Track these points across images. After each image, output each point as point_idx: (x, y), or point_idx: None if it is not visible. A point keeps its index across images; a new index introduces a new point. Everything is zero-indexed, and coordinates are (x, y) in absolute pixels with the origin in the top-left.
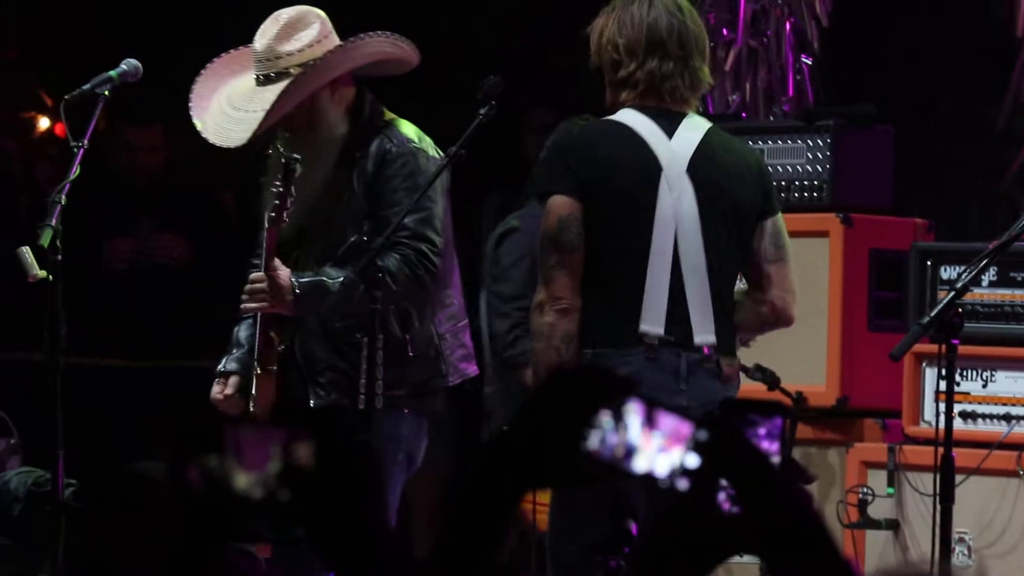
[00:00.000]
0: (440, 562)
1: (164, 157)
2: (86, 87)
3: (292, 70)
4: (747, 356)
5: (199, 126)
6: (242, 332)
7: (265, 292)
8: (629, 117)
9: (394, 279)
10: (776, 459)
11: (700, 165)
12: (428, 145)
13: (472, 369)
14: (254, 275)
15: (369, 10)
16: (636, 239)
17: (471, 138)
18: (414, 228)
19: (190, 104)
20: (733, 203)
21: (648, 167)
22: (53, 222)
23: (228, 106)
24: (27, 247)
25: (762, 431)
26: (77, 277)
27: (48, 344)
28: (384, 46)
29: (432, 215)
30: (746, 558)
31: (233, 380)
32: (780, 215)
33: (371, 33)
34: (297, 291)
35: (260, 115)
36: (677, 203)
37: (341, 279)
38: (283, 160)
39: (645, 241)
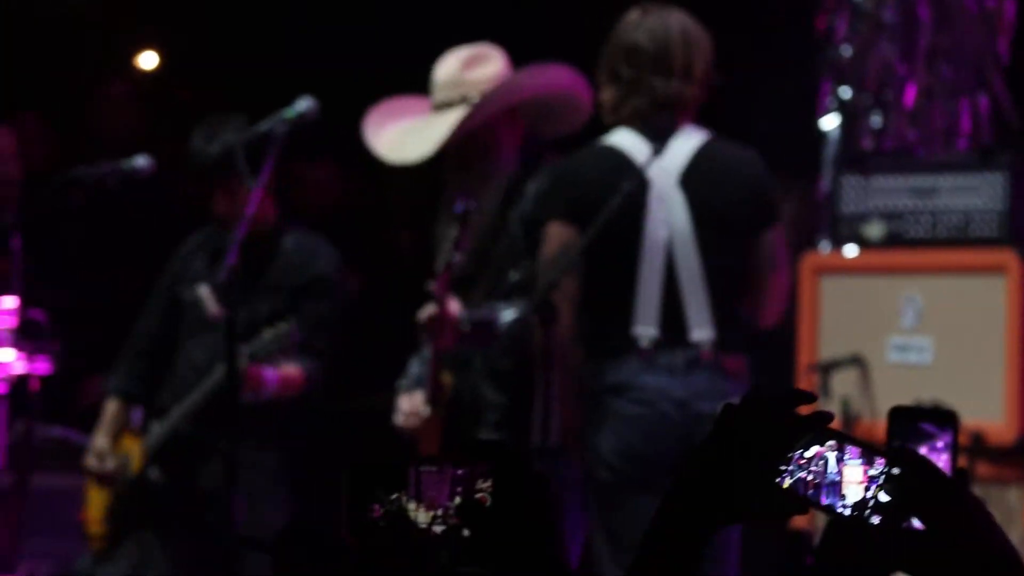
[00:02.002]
0: None
1: (335, 194)
2: (262, 126)
3: (474, 97)
4: (923, 393)
5: (372, 145)
6: (414, 368)
7: (436, 325)
8: (618, 138)
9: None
10: (951, 471)
11: (691, 177)
12: None
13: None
14: (427, 309)
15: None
16: (626, 253)
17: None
18: None
19: (366, 130)
20: (724, 211)
21: (634, 184)
22: (232, 261)
23: (403, 132)
24: (205, 286)
25: (939, 443)
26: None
27: (226, 377)
28: (569, 79)
29: None
30: None
31: (418, 393)
32: (780, 228)
33: (556, 65)
34: (467, 327)
35: (441, 132)
36: (668, 214)
37: (510, 316)
38: (457, 213)
39: (634, 253)
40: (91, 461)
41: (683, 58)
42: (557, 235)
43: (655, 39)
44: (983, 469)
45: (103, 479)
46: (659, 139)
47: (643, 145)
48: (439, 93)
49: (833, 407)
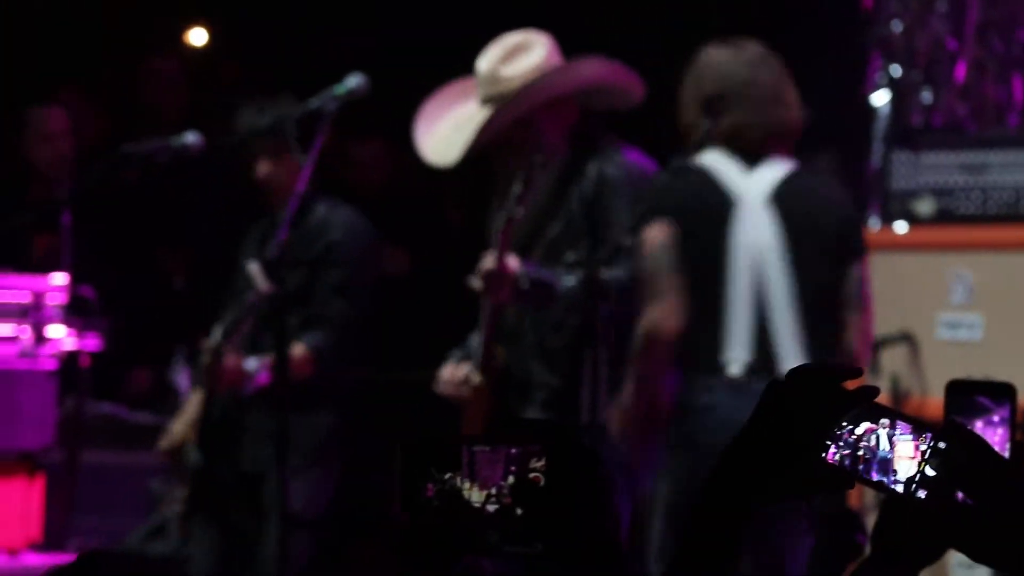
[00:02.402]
0: (682, 572)
1: (386, 172)
2: (313, 103)
3: (509, 95)
4: (974, 370)
5: (420, 147)
6: (472, 341)
7: (494, 279)
8: (708, 158)
9: (621, 291)
10: (1007, 445)
11: (782, 197)
12: (650, 165)
13: None
14: (486, 260)
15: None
16: (712, 269)
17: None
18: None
19: (417, 126)
20: (817, 235)
21: (722, 201)
22: (283, 237)
23: (451, 128)
24: (255, 262)
25: (995, 417)
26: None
27: (277, 355)
28: (603, 71)
29: None
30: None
31: (464, 365)
32: (867, 263)
33: (592, 58)
34: (526, 284)
35: (470, 137)
36: (756, 233)
37: (571, 282)
38: (526, 169)
39: (721, 271)
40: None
41: (789, 89)
42: (655, 234)
43: (758, 72)
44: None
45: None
46: (751, 162)
47: (731, 165)
48: (480, 89)
49: (882, 384)
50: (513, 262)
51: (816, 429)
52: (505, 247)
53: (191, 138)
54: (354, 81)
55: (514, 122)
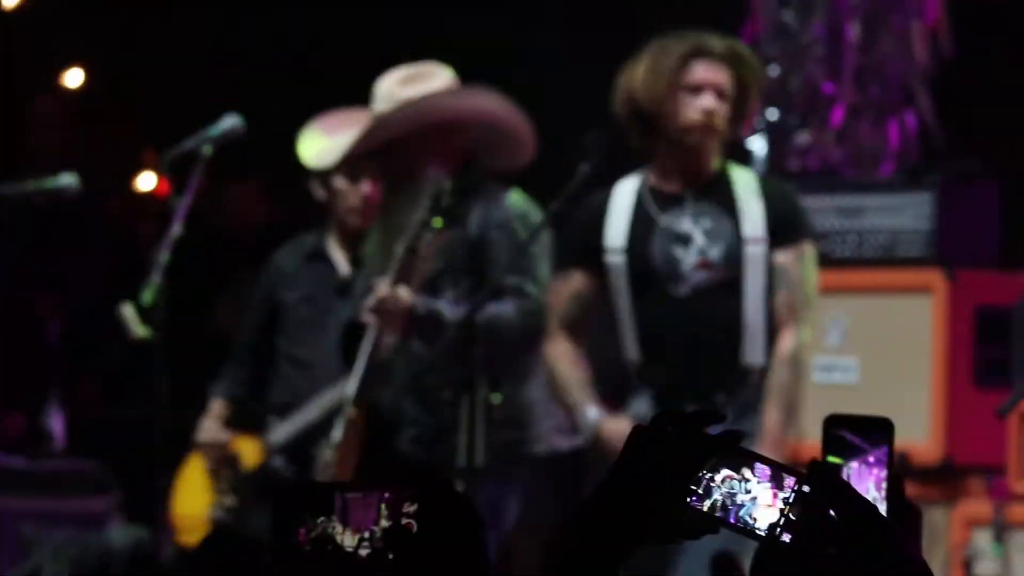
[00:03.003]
0: None
1: (262, 212)
2: (188, 144)
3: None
4: (849, 413)
5: (300, 150)
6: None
7: (389, 307)
8: None
9: (505, 328)
10: (884, 479)
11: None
12: (534, 213)
13: (564, 443)
14: (381, 288)
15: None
16: None
17: (574, 194)
18: (518, 285)
19: (304, 134)
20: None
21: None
22: (156, 279)
23: (335, 139)
24: (129, 305)
25: (871, 458)
26: (182, 334)
27: (150, 403)
28: (492, 105)
29: (537, 275)
30: None
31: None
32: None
33: (488, 93)
34: (423, 311)
35: (348, 143)
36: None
37: (458, 315)
38: (437, 193)
39: None
40: (209, 450)
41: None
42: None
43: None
44: (909, 489)
45: (216, 468)
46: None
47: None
48: (375, 105)
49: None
50: (405, 291)
51: (679, 475)
52: (403, 277)
53: (67, 179)
54: (229, 122)
55: (401, 143)
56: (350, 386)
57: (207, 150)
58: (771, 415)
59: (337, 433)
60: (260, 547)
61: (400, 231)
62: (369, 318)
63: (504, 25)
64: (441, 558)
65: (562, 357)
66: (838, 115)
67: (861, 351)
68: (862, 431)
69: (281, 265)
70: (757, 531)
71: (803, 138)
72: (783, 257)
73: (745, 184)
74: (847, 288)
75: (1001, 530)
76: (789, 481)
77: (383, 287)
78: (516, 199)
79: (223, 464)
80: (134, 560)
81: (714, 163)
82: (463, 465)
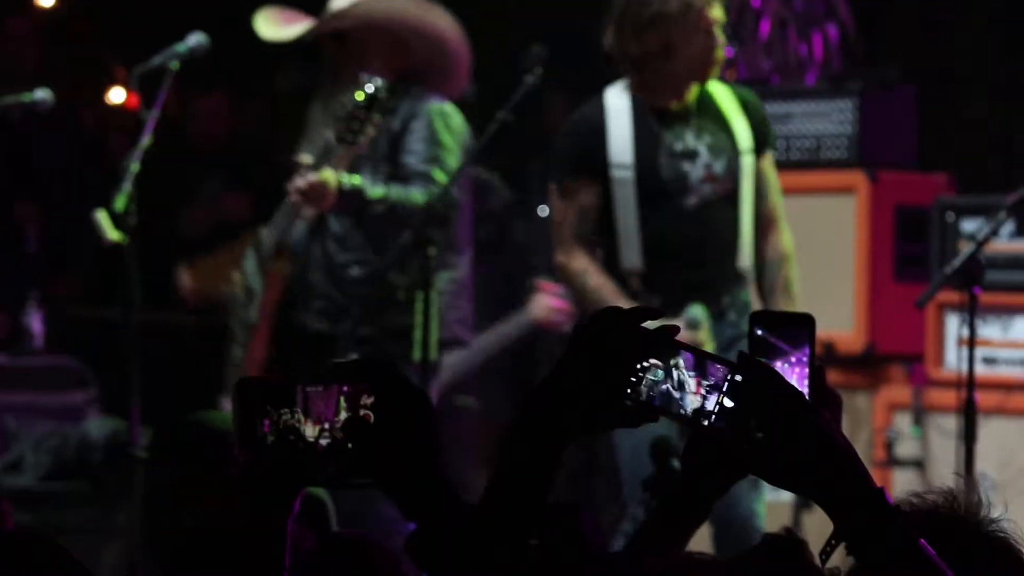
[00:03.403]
0: (492, 505)
1: (228, 123)
2: (156, 60)
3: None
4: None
5: (257, 25)
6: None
7: (314, 190)
8: None
9: (415, 206)
10: (805, 377)
11: None
12: (455, 113)
13: (465, 335)
14: (309, 175)
15: None
16: None
17: (517, 103)
18: (426, 172)
19: (258, 16)
20: None
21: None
22: (127, 187)
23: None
24: (102, 212)
25: (792, 358)
26: (152, 238)
27: (123, 303)
28: (439, 23)
29: (446, 164)
30: (779, 495)
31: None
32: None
33: (442, 16)
34: (347, 186)
35: (305, 26)
36: None
37: (377, 190)
38: (370, 92)
39: None
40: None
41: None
42: None
43: None
44: (833, 376)
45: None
46: None
47: None
48: (332, 5)
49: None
50: (330, 173)
51: (618, 367)
52: (329, 160)
53: (40, 95)
54: (195, 39)
55: (352, 40)
56: (268, 239)
57: (174, 65)
58: (794, 306)
59: (253, 313)
60: (226, 437)
61: (333, 117)
62: (295, 198)
63: None
64: (398, 447)
65: (588, 269)
66: (765, 27)
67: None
68: (784, 329)
69: None
70: (685, 418)
71: (732, 50)
72: (764, 164)
73: (725, 97)
74: None
75: (920, 413)
76: (718, 370)
77: (311, 175)
78: (436, 99)
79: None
80: (110, 450)
81: None
82: (420, 359)
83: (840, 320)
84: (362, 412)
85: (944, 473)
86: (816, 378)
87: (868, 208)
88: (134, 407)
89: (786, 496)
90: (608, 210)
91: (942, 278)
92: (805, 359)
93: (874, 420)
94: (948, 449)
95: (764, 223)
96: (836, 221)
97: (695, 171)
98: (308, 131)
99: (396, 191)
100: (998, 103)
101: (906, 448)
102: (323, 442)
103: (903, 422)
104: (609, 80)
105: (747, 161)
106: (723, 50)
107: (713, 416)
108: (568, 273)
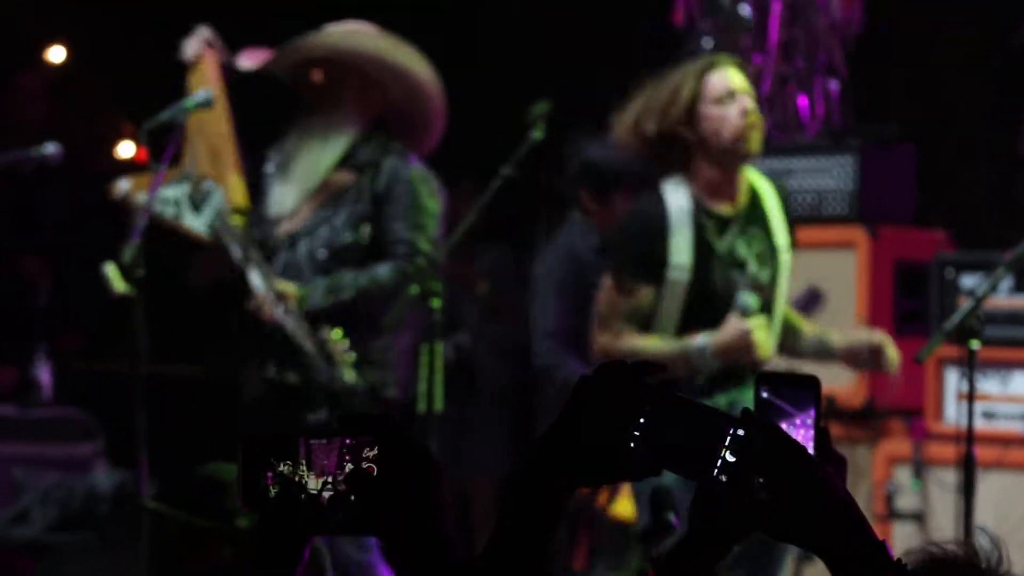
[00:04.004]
0: (494, 559)
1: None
2: (164, 115)
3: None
4: (782, 360)
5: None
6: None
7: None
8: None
9: (378, 290)
10: (811, 439)
11: None
12: (432, 178)
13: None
14: (260, 299)
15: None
16: None
17: (522, 160)
18: (411, 240)
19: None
20: None
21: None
22: (135, 240)
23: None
24: (111, 265)
25: (796, 421)
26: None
27: (131, 355)
28: (412, 65)
29: (428, 231)
30: None
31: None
32: None
33: (413, 54)
34: (308, 305)
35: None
36: None
37: (338, 295)
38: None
39: None
40: None
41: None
42: None
43: None
44: (834, 430)
45: None
46: None
47: None
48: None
49: None
50: (290, 288)
51: (620, 421)
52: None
53: (51, 148)
54: (203, 95)
55: (318, 79)
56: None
57: (182, 120)
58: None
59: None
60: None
61: (310, 154)
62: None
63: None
64: (400, 500)
65: (633, 338)
66: (767, 84)
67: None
68: (790, 390)
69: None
70: (689, 473)
71: None
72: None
73: (765, 191)
74: None
75: (920, 467)
76: (723, 425)
77: (264, 303)
78: (418, 164)
79: None
80: (117, 501)
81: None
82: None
83: (841, 375)
84: (365, 465)
85: (944, 526)
86: (821, 439)
87: (868, 263)
88: (141, 459)
89: (788, 548)
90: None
91: (942, 333)
92: (810, 421)
93: (874, 473)
94: (948, 502)
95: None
96: (837, 276)
97: (743, 280)
98: (279, 158)
99: (359, 283)
100: (996, 161)
101: (906, 501)
102: (326, 494)
103: (903, 475)
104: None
105: (785, 259)
106: (758, 116)
107: (715, 470)
108: (618, 351)
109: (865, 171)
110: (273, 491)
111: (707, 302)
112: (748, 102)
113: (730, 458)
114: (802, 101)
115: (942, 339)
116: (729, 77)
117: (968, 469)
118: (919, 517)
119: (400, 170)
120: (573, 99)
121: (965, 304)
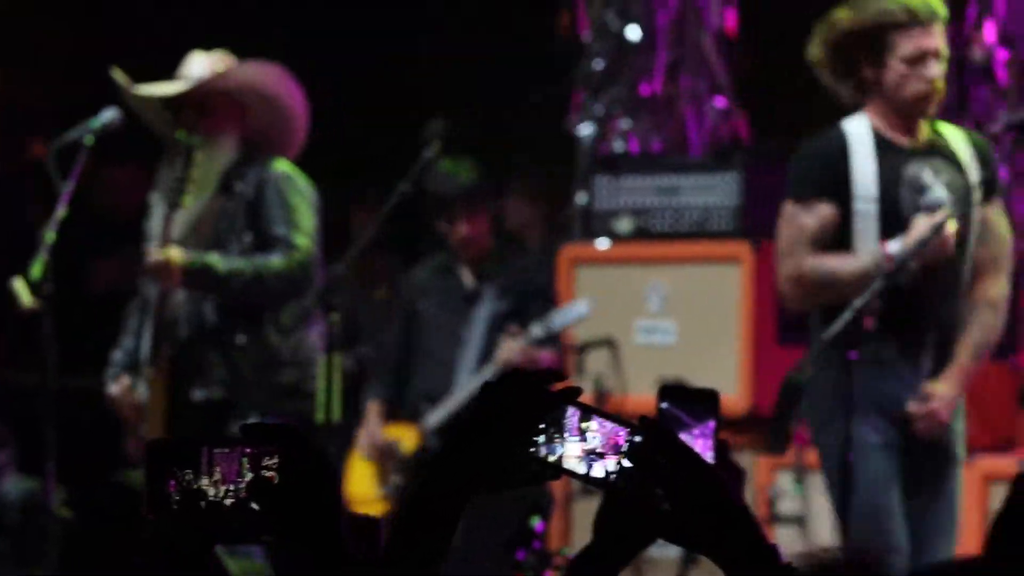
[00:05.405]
0: (392, 562)
1: (139, 194)
2: (71, 134)
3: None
4: (668, 370)
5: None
6: (128, 343)
7: (160, 269)
8: None
9: (270, 276)
10: (710, 449)
11: None
12: (299, 175)
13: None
14: (153, 254)
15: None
16: None
17: (416, 176)
18: (286, 236)
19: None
20: None
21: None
22: (43, 256)
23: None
24: (19, 280)
25: (696, 431)
26: (68, 305)
27: (40, 367)
28: (261, 75)
29: (302, 225)
30: (666, 550)
31: (125, 378)
32: None
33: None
34: (190, 268)
35: (172, 88)
36: None
37: (231, 265)
38: (183, 146)
39: None
40: (372, 452)
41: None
42: None
43: None
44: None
45: (380, 459)
46: None
47: None
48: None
49: (586, 384)
50: (176, 251)
51: (524, 427)
52: (168, 237)
53: None
54: (108, 115)
55: (197, 105)
56: (143, 349)
57: (89, 140)
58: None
59: (141, 392)
60: (138, 498)
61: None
62: (150, 277)
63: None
64: (299, 506)
65: (821, 257)
66: (655, 103)
67: (678, 315)
68: (690, 403)
69: (416, 280)
70: (591, 477)
71: (625, 123)
72: (990, 210)
73: (958, 140)
74: (665, 259)
75: (801, 472)
76: (622, 432)
77: (155, 254)
78: (280, 163)
79: (386, 456)
80: (27, 510)
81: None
82: (324, 421)
83: (726, 383)
84: (266, 473)
85: (824, 529)
86: (720, 450)
87: (752, 277)
88: (49, 468)
89: (673, 551)
90: (842, 241)
91: (821, 343)
92: (709, 432)
93: (757, 478)
94: (827, 507)
95: (979, 269)
96: (722, 289)
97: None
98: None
99: (253, 262)
100: None
101: (788, 505)
102: (227, 502)
103: (785, 480)
104: None
105: (977, 197)
106: (942, 82)
107: (614, 476)
108: (811, 271)
109: (749, 188)
110: (176, 499)
111: (896, 228)
112: (936, 69)
113: (626, 463)
114: (689, 119)
115: (821, 348)
116: (927, 37)
117: (845, 474)
118: (800, 521)
119: (262, 173)
120: (470, 117)
121: (844, 315)
